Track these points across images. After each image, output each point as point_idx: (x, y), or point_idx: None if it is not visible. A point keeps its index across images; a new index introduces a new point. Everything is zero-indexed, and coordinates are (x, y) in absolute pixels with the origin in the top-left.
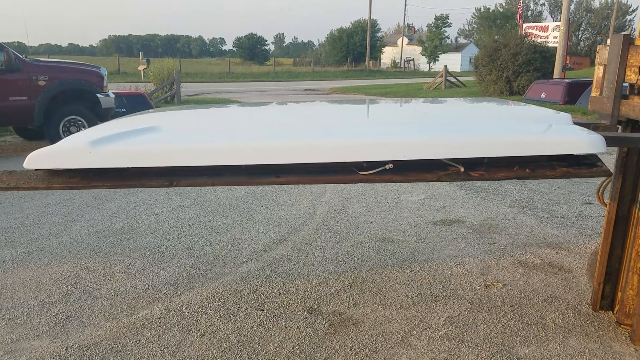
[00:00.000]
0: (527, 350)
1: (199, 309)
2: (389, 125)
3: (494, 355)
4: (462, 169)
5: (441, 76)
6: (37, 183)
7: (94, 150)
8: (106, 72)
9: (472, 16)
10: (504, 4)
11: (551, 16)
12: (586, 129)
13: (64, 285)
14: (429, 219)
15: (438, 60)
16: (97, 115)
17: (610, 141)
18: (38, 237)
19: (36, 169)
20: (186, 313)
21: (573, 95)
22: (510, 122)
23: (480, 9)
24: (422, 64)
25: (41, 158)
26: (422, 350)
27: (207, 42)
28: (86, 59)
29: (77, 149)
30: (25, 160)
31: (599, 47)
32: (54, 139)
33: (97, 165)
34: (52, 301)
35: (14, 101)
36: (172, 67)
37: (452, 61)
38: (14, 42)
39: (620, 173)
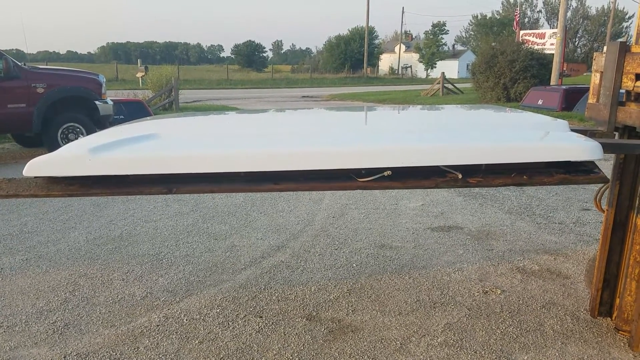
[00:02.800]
0: (525, 357)
1: (198, 316)
2: (387, 132)
3: None
4: (460, 176)
5: (439, 83)
6: (36, 190)
7: (92, 157)
8: (104, 80)
9: (469, 23)
10: (500, 11)
11: (548, 23)
12: (583, 136)
13: (62, 292)
14: (427, 226)
15: (435, 67)
16: (96, 122)
17: (607, 148)
18: (36, 244)
19: (35, 177)
20: (185, 320)
21: (570, 101)
22: (508, 129)
23: (477, 16)
24: (420, 70)
25: (40, 165)
26: (421, 357)
27: (206, 49)
28: (84, 66)
29: (76, 156)
30: (25, 168)
31: (595, 54)
32: (53, 146)
33: (96, 173)
34: (50, 309)
35: (12, 108)
36: (171, 74)
37: (450, 68)
38: (13, 49)
39: (618, 179)
